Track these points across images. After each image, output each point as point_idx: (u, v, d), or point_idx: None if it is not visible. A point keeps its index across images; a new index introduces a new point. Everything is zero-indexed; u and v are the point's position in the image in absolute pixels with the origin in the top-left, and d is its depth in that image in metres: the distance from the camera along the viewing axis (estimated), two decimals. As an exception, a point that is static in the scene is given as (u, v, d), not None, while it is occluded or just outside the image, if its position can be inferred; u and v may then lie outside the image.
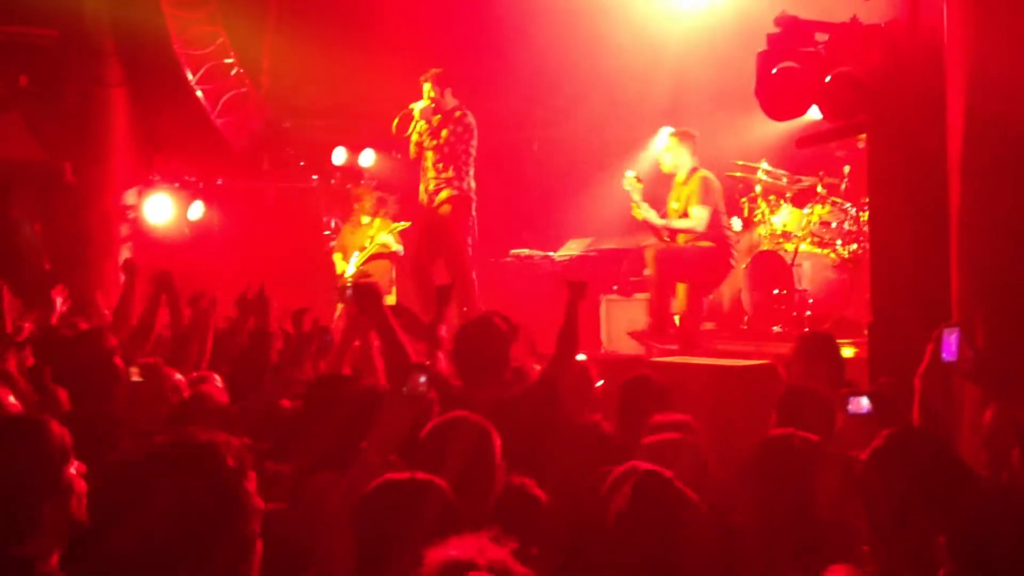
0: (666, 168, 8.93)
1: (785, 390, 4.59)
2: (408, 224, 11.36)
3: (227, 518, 2.20)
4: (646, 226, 8.97)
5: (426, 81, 9.28)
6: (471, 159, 9.27)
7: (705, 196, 8.64)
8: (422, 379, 3.55)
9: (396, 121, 9.34)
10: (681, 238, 8.77)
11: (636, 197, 8.75)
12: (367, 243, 11.42)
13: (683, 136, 8.86)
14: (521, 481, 3.55)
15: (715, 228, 8.71)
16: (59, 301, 8.24)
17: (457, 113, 9.28)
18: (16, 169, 11.94)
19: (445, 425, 3.60)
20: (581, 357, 6.48)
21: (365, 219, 11.37)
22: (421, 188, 9.39)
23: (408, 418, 3.44)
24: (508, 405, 4.50)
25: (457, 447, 3.41)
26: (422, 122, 9.32)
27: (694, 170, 8.76)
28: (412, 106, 9.34)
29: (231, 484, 2.21)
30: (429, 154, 9.31)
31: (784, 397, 4.47)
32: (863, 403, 3.82)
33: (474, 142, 9.30)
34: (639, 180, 8.83)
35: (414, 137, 9.38)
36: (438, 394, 4.13)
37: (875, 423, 3.66)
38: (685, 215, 8.70)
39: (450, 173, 9.18)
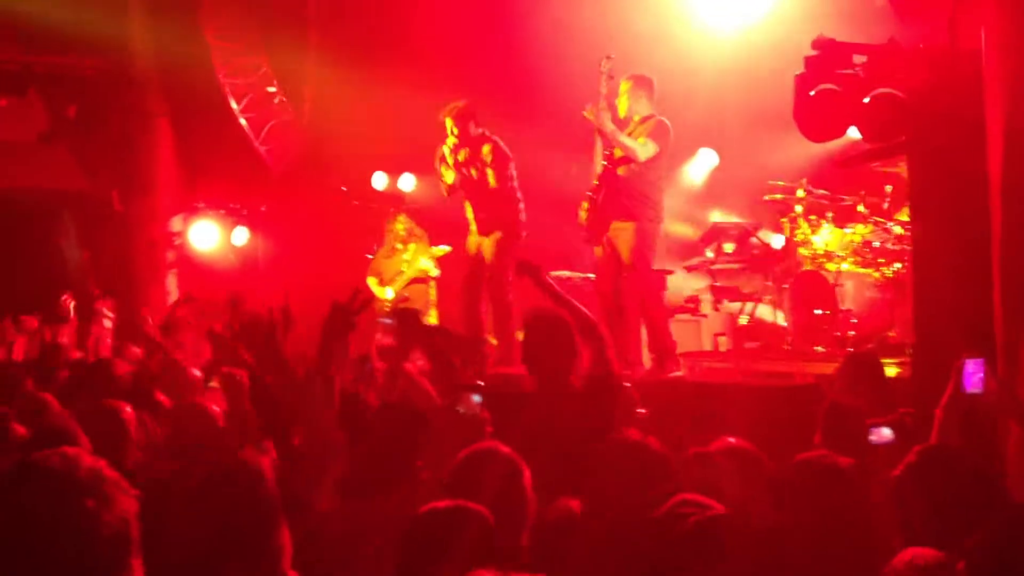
0: (622, 113, 8.27)
1: (828, 406, 4.58)
2: (448, 249, 11.42)
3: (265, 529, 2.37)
4: (594, 127, 8.18)
5: (446, 117, 8.69)
6: (510, 184, 8.68)
7: (656, 133, 8.05)
8: (476, 399, 3.60)
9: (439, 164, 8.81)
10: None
11: (604, 90, 8.06)
12: (404, 268, 11.53)
13: (638, 81, 8.27)
14: (562, 505, 3.54)
15: (652, 179, 8.14)
16: (105, 313, 8.36)
17: (486, 146, 8.64)
18: (64, 198, 12.18)
19: (475, 457, 3.57)
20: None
21: (399, 245, 11.47)
22: (471, 218, 8.84)
23: (461, 437, 3.48)
24: (571, 400, 4.52)
25: (488, 481, 3.39)
26: (449, 158, 8.76)
27: (651, 115, 8.19)
28: (442, 148, 8.79)
29: (267, 502, 2.32)
30: (469, 192, 8.80)
31: (827, 413, 4.47)
32: (885, 432, 3.90)
33: (511, 164, 8.68)
34: (611, 76, 8.12)
35: (447, 177, 8.82)
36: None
37: (897, 451, 3.71)
38: None
39: (494, 208, 8.64)
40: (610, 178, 8.16)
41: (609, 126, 8.06)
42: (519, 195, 8.79)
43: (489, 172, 8.64)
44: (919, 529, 2.97)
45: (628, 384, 5.68)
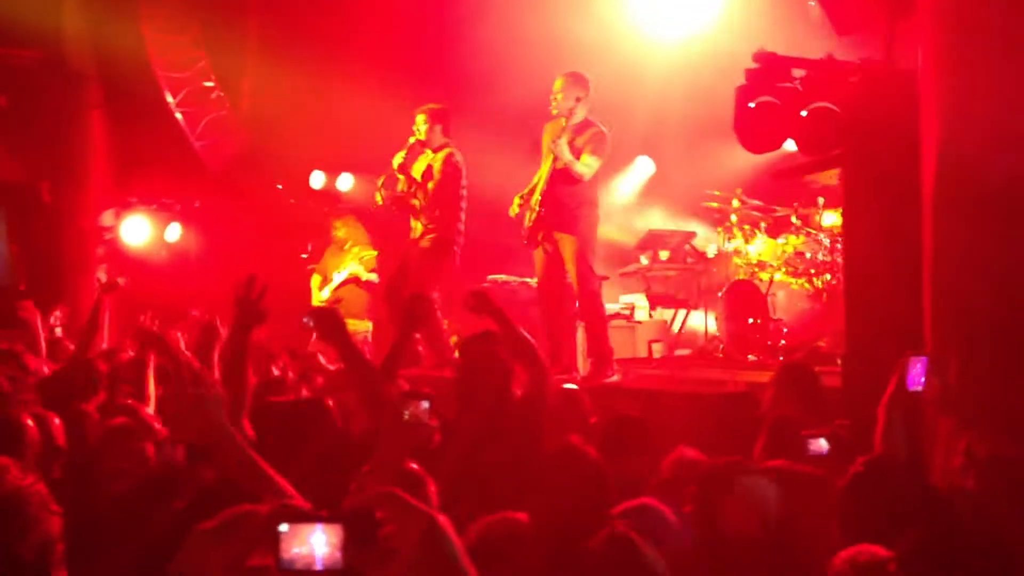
0: (555, 110, 8.19)
1: (774, 420, 4.65)
2: (376, 253, 11.46)
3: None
4: (554, 155, 8.14)
5: (420, 114, 8.84)
6: (460, 200, 8.82)
7: (597, 147, 8.07)
8: (424, 406, 3.57)
9: (402, 155, 8.90)
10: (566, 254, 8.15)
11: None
12: (339, 269, 11.51)
13: (573, 78, 8.18)
14: (504, 515, 3.53)
15: (592, 187, 8.17)
16: (57, 316, 8.22)
17: (444, 152, 8.81)
18: (-8, 188, 11.93)
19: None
20: (572, 386, 6.50)
21: (346, 246, 11.46)
22: (412, 223, 8.99)
23: (409, 446, 3.45)
24: (496, 430, 4.54)
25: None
26: (401, 157, 8.89)
27: (588, 122, 8.17)
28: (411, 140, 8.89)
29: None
30: (419, 193, 8.89)
31: (772, 426, 4.54)
32: (821, 444, 3.97)
33: (463, 182, 8.83)
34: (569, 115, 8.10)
35: (400, 178, 8.93)
36: None
37: (833, 463, 3.79)
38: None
39: (435, 215, 8.78)
40: (552, 193, 8.19)
41: (567, 157, 8.08)
42: (462, 209, 8.87)
43: (432, 181, 8.75)
44: (862, 537, 3.03)
45: (575, 387, 5.72)
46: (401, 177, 8.94)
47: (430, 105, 8.93)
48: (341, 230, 11.60)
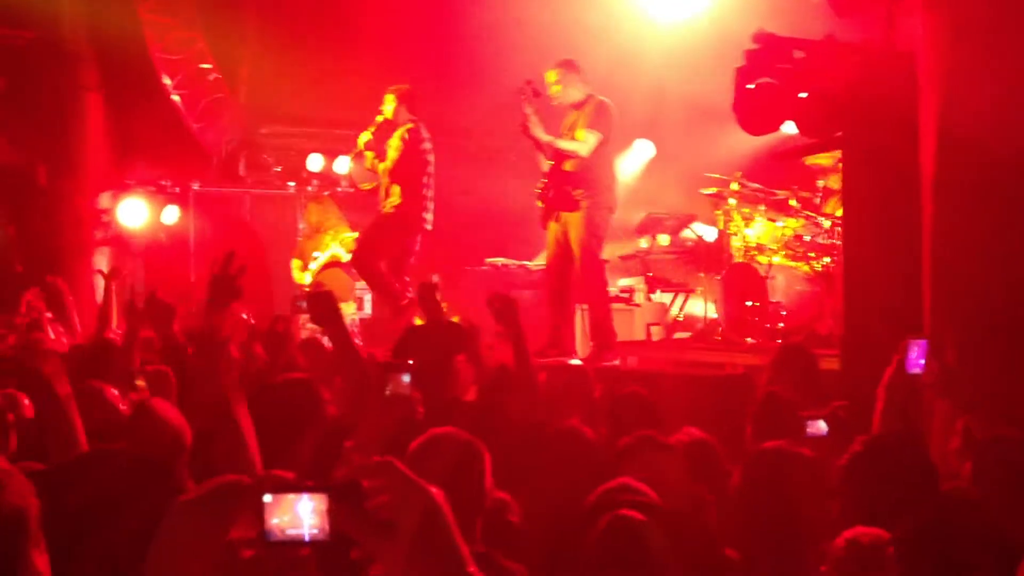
0: (555, 100, 8.27)
1: (764, 398, 4.64)
2: (356, 235, 11.50)
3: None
4: (532, 142, 8.22)
5: (388, 94, 9.11)
6: (424, 175, 9.01)
7: (595, 120, 8.04)
8: (406, 379, 3.55)
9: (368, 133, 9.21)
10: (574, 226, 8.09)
11: (529, 111, 8.08)
12: (320, 252, 11.56)
13: (565, 66, 8.20)
14: (498, 498, 3.50)
15: (600, 166, 8.13)
16: (26, 304, 8.20)
17: (406, 128, 9.02)
18: (-12, 171, 11.88)
19: (432, 442, 3.43)
20: (577, 362, 6.50)
21: (321, 227, 11.55)
22: (380, 198, 9.27)
23: (393, 419, 3.45)
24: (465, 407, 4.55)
25: (443, 465, 3.31)
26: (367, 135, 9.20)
27: (589, 97, 8.18)
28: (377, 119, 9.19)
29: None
30: (382, 168, 9.13)
31: (762, 405, 4.53)
32: (820, 426, 3.96)
33: (430, 157, 9.01)
34: (536, 93, 8.11)
35: (368, 155, 9.26)
36: None
37: (832, 444, 3.78)
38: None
39: (397, 187, 8.99)
40: (558, 174, 8.13)
41: (545, 138, 8.09)
42: (426, 185, 9.03)
43: (392, 155, 9.00)
44: (861, 516, 3.02)
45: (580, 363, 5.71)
46: (368, 154, 9.21)
47: (398, 86, 9.19)
48: (314, 214, 11.70)
